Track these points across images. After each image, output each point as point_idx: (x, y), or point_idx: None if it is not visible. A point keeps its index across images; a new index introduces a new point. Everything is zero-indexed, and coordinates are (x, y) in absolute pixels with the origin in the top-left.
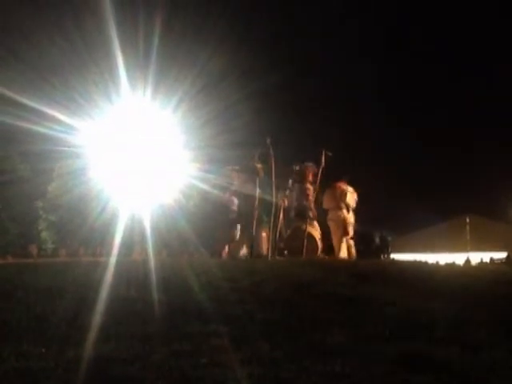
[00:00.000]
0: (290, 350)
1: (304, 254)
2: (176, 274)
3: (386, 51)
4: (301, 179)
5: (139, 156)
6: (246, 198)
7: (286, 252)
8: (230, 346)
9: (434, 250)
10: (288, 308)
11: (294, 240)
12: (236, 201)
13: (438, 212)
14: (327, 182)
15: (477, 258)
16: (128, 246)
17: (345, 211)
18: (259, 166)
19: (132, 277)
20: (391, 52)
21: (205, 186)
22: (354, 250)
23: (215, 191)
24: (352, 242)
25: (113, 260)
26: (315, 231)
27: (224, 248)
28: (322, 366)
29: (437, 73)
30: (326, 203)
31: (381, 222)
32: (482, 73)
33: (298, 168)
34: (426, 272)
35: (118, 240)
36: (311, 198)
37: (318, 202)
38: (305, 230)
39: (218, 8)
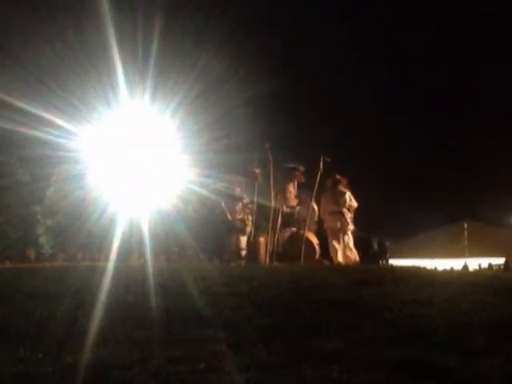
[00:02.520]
0: (288, 356)
1: (302, 259)
2: (174, 280)
3: (387, 52)
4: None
5: (138, 161)
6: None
7: (283, 257)
8: (228, 351)
9: (433, 255)
10: (286, 313)
11: (292, 245)
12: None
13: (436, 218)
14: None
15: (475, 263)
16: (126, 251)
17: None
18: (258, 170)
19: (130, 282)
20: (392, 53)
21: (203, 191)
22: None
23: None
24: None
25: (111, 265)
26: (313, 236)
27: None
28: (321, 371)
29: (438, 76)
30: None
31: (379, 227)
32: (484, 77)
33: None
34: (424, 278)
35: (116, 245)
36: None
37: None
38: (303, 235)
39: (216, 13)
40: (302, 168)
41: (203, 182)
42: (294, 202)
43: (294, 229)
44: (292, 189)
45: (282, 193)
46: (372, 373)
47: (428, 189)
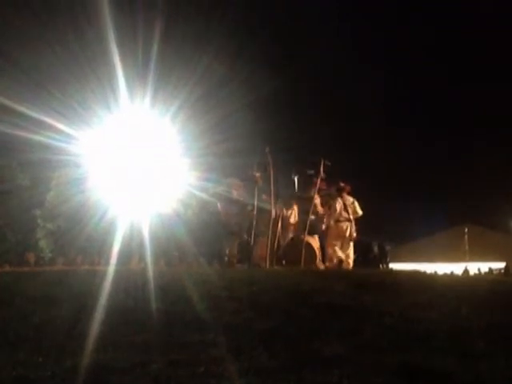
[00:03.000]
0: (288, 360)
1: (302, 263)
2: (174, 284)
3: (388, 54)
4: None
5: (138, 164)
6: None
7: (284, 261)
8: (228, 355)
9: (433, 259)
10: (286, 318)
11: (292, 249)
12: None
13: (436, 222)
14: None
15: (475, 267)
16: (126, 255)
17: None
18: (258, 174)
19: (130, 286)
20: (392, 55)
21: (203, 195)
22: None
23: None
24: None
25: (111, 269)
26: (313, 240)
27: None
28: (321, 376)
29: (438, 83)
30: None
31: (379, 231)
32: (485, 79)
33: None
34: (424, 282)
35: (116, 249)
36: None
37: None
38: (303, 240)
39: (216, 17)
40: (323, 175)
41: (203, 185)
42: (320, 209)
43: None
44: (316, 196)
45: (307, 200)
46: (372, 377)
47: (428, 193)
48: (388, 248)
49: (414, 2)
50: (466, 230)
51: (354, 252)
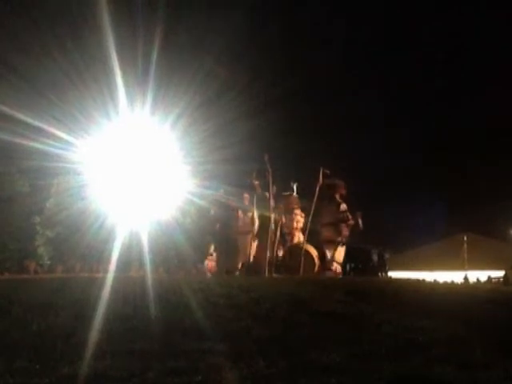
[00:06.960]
0: (286, 368)
1: (301, 271)
2: (173, 291)
3: (388, 62)
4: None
5: (137, 172)
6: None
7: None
8: (227, 363)
9: (432, 268)
10: (285, 325)
11: (292, 257)
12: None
13: (435, 230)
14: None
15: (474, 276)
16: (125, 262)
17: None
18: (257, 182)
19: (129, 293)
20: (393, 63)
21: (202, 202)
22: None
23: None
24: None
25: (110, 276)
26: (312, 248)
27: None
28: (319, 383)
29: (439, 90)
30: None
31: (378, 239)
32: (484, 87)
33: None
34: (423, 290)
35: (115, 256)
36: None
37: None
38: (302, 248)
39: (216, 25)
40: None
41: (203, 193)
42: None
43: None
44: None
45: None
46: None
47: (428, 201)
48: (387, 256)
49: (414, 5)
50: (465, 238)
51: (354, 260)
